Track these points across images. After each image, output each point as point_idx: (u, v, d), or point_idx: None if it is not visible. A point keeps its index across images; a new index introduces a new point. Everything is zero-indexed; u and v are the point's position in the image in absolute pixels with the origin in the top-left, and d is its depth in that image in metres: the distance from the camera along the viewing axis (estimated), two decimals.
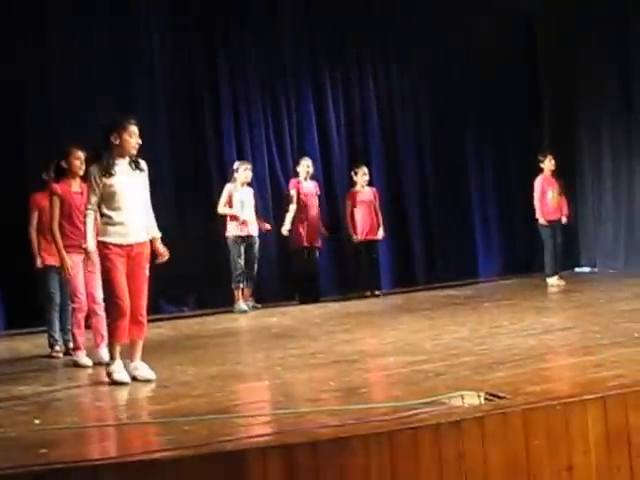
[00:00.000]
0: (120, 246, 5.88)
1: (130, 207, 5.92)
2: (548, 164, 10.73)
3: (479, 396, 4.71)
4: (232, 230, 10.13)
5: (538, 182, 10.70)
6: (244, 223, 10.09)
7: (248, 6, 11.12)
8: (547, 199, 10.69)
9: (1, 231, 9.56)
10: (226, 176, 10.89)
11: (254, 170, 10.57)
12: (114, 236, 5.87)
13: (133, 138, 5.94)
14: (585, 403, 4.54)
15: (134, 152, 5.97)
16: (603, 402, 4.58)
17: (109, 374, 5.93)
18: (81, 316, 6.91)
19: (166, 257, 6.11)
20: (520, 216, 12.19)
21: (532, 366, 5.49)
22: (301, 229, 10.53)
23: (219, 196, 10.42)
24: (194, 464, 3.93)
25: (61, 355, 7.44)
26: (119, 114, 6.28)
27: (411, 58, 12.11)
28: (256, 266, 10.26)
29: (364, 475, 4.10)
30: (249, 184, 10.35)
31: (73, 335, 6.97)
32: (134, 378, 5.89)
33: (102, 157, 5.93)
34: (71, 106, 10.10)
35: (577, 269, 12.35)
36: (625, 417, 4.61)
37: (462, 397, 4.67)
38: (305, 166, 10.63)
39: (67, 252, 6.87)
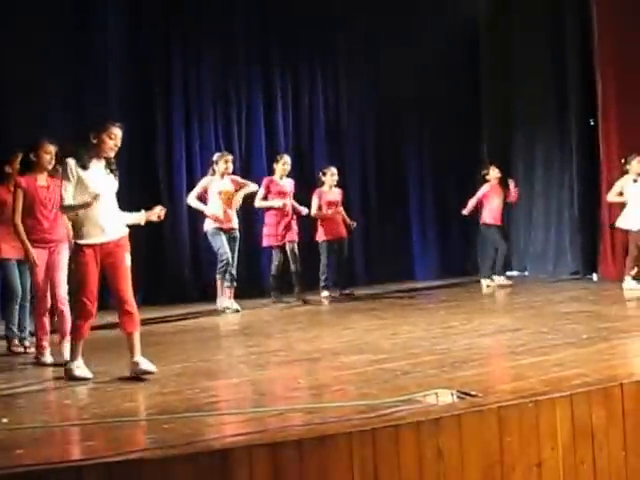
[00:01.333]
0: (93, 246, 5.67)
1: (103, 206, 5.70)
2: (493, 173, 10.95)
3: (452, 394, 4.66)
4: (210, 223, 9.48)
5: (484, 189, 10.95)
6: (220, 218, 9.42)
7: (204, 9, 10.97)
8: (493, 205, 10.88)
9: None
10: (173, 175, 10.74)
11: (202, 171, 10.34)
12: (88, 237, 5.67)
13: (112, 140, 5.73)
14: (554, 401, 4.54)
15: (111, 154, 5.77)
16: (570, 400, 4.59)
17: (69, 371, 5.70)
18: (44, 311, 6.60)
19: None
20: (456, 219, 12.32)
21: (495, 365, 5.49)
22: (277, 227, 9.99)
23: (167, 195, 10.22)
24: (181, 463, 3.78)
25: (21, 350, 7.13)
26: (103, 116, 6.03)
27: (357, 68, 12.14)
28: (236, 262, 9.59)
29: (347, 472, 4.01)
30: (229, 174, 9.65)
31: (36, 332, 6.64)
32: (136, 374, 5.62)
33: (79, 153, 5.72)
34: (22, 105, 9.77)
35: (508, 273, 12.45)
36: (589, 414, 4.63)
37: (436, 395, 4.61)
38: (283, 163, 10.07)
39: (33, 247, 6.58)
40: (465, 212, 11.03)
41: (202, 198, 9.60)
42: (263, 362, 6.06)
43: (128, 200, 10.00)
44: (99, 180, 5.71)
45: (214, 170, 9.59)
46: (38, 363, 6.51)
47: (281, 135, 11.63)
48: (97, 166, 5.74)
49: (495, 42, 12.52)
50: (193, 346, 7.13)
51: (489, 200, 10.93)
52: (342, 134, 12.17)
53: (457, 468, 4.24)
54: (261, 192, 9.99)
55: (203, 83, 11.12)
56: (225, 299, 9.43)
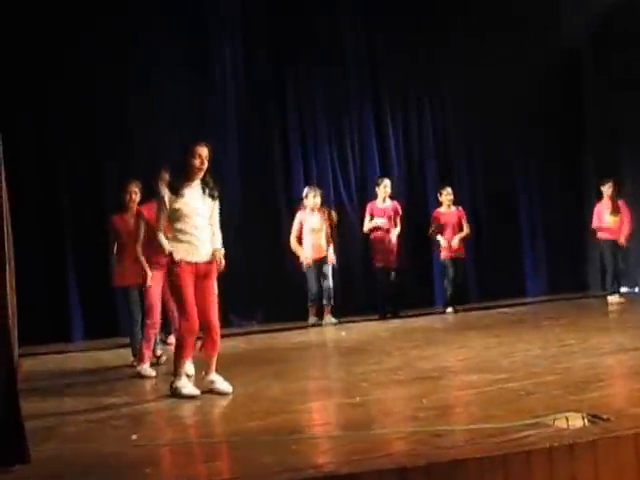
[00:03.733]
0: (189, 263, 5.48)
1: (198, 228, 5.53)
2: (607, 190, 10.37)
3: (583, 417, 4.20)
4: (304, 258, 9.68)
5: (597, 206, 10.47)
6: (309, 262, 9.62)
7: (316, 40, 10.82)
8: (605, 221, 10.29)
9: (83, 244, 9.32)
10: (292, 206, 10.56)
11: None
12: (183, 253, 5.48)
13: (197, 159, 5.48)
14: None
15: (199, 174, 5.53)
16: None
17: (176, 390, 5.47)
18: (153, 332, 6.61)
19: (220, 267, 5.65)
20: (565, 235, 11.82)
21: (622, 386, 4.99)
22: (377, 249, 9.99)
23: (287, 220, 10.12)
24: None
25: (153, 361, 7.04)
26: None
27: (463, 89, 11.68)
28: (332, 285, 9.69)
29: None
30: (319, 210, 9.71)
31: (140, 349, 6.61)
32: (210, 392, 5.48)
33: (175, 180, 5.55)
34: (146, 135, 9.83)
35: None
36: None
37: (567, 419, 4.17)
38: (383, 187, 10.03)
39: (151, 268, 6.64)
40: (599, 236, 10.48)
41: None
42: (384, 380, 5.70)
43: (249, 221, 10.18)
44: (193, 205, 5.51)
45: (304, 205, 9.57)
46: (140, 375, 6.46)
47: (394, 159, 11.33)
48: (192, 190, 5.53)
49: (599, 57, 11.88)
50: (312, 363, 6.86)
51: (601, 215, 10.35)
52: (451, 155, 11.78)
53: None
54: (366, 218, 10.03)
55: (317, 116, 10.93)
56: (312, 317, 9.63)
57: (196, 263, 5.50)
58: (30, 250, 8.93)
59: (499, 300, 11.00)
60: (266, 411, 4.88)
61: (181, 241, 5.49)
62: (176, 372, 5.52)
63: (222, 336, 5.66)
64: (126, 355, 7.47)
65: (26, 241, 8.67)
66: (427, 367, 6.13)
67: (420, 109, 11.64)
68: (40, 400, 5.69)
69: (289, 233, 10.07)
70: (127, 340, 7.47)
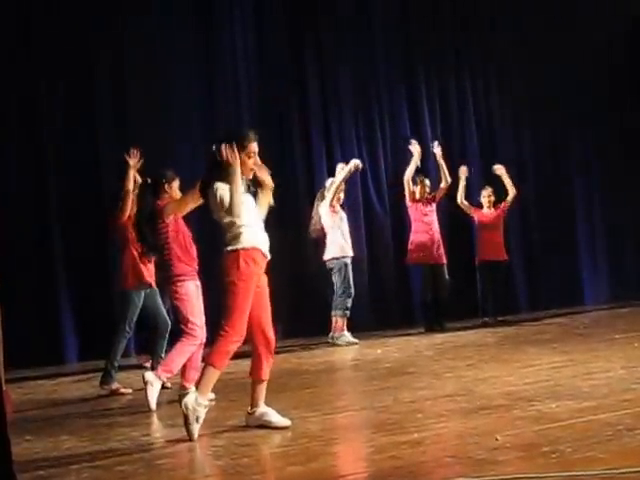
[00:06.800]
0: (264, 256, 4.91)
1: (259, 224, 4.99)
2: None
3: None
4: (329, 253, 9.17)
5: None
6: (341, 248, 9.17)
7: (339, 16, 10.45)
8: None
9: (76, 253, 8.89)
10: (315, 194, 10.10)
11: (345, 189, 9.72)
12: (259, 243, 4.88)
13: (251, 159, 4.91)
14: None
15: (250, 174, 4.95)
16: None
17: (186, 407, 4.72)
18: (193, 347, 5.84)
19: None
20: (631, 236, 11.29)
21: None
22: (423, 246, 9.63)
23: (308, 217, 9.61)
24: None
25: (129, 390, 6.58)
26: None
27: (510, 71, 11.26)
28: (352, 292, 9.16)
29: None
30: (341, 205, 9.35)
31: (184, 367, 5.84)
32: (262, 426, 4.89)
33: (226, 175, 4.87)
34: (149, 118, 9.39)
35: None
36: None
37: None
38: (419, 181, 9.71)
39: (183, 280, 5.96)
40: None
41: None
42: (442, 410, 5.15)
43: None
44: (249, 202, 4.96)
45: (324, 196, 9.23)
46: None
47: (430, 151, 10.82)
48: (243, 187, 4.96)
49: None
50: (350, 389, 6.37)
51: None
52: (496, 148, 11.29)
53: None
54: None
55: (342, 96, 10.50)
56: (347, 334, 9.00)
57: (267, 259, 4.96)
58: (18, 260, 8.60)
59: (552, 309, 10.58)
60: (304, 452, 4.34)
61: (252, 230, 4.89)
62: (201, 388, 4.79)
63: (236, 356, 5.02)
64: (127, 379, 7.03)
65: (14, 251, 8.48)
66: (490, 392, 5.58)
67: (461, 92, 11.16)
68: (33, 439, 5.19)
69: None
70: (127, 361, 7.12)
